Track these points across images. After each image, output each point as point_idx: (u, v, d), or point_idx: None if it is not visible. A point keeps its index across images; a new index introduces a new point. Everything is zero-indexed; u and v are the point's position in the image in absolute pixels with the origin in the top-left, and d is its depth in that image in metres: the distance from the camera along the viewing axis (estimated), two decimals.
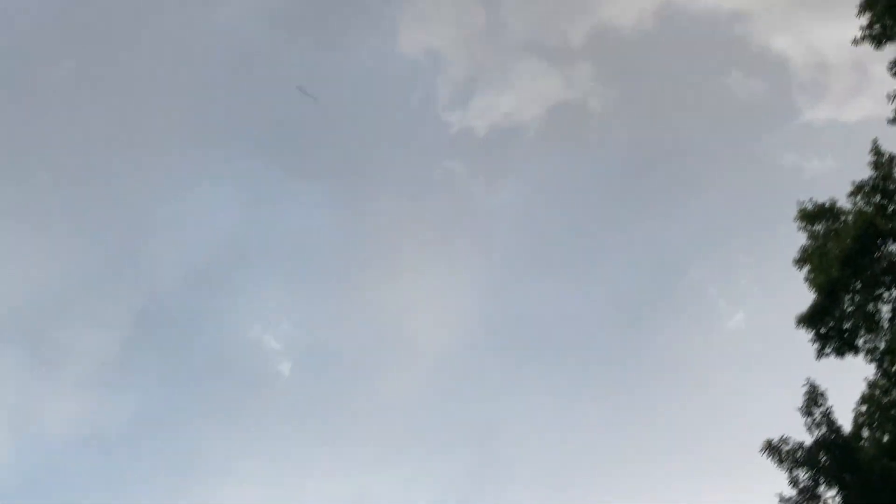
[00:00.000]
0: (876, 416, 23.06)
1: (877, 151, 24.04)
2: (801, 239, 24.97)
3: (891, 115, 24.08)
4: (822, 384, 23.10)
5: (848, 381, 24.22)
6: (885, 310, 23.80)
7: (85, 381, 60.01)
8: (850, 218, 24.21)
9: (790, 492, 22.47)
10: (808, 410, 22.89)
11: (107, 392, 60.73)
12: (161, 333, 64.74)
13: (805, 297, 24.35)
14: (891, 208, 23.95)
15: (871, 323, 23.79)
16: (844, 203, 24.54)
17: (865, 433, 23.07)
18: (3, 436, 57.21)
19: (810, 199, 24.88)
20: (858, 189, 24.23)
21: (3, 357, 59.81)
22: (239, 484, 58.67)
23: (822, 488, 22.28)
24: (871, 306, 23.81)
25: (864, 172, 24.20)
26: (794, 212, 25.18)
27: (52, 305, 62.86)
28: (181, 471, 59.82)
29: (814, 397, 22.93)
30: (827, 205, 24.76)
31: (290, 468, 60.00)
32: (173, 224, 65.13)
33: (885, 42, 24.21)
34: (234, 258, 67.46)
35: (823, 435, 22.55)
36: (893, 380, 23.37)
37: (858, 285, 23.77)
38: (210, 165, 67.70)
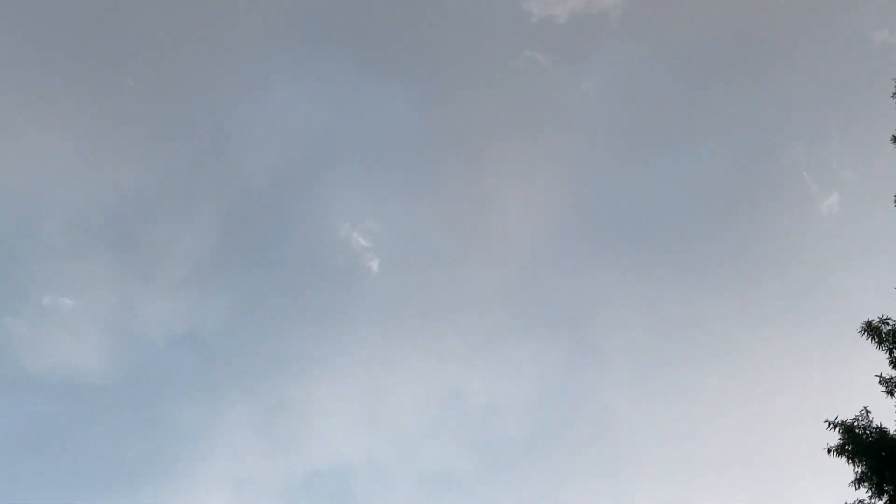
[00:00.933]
0: None
1: None
2: None
3: None
4: None
5: None
6: None
7: (179, 282, 62.74)
8: None
9: (890, 372, 22.45)
10: None
11: (200, 292, 63.55)
12: (251, 234, 66.85)
13: None
14: None
15: None
16: None
17: None
18: (105, 336, 60.52)
19: None
20: None
21: (102, 260, 62.83)
22: (332, 380, 61.25)
23: None
24: None
25: None
26: (888, 89, 24.47)
27: (145, 208, 65.24)
28: (275, 367, 62.72)
29: None
30: None
31: (384, 363, 62.17)
32: (260, 124, 66.12)
33: None
34: (321, 156, 68.51)
35: None
36: None
37: None
38: (295, 64, 68.14)
